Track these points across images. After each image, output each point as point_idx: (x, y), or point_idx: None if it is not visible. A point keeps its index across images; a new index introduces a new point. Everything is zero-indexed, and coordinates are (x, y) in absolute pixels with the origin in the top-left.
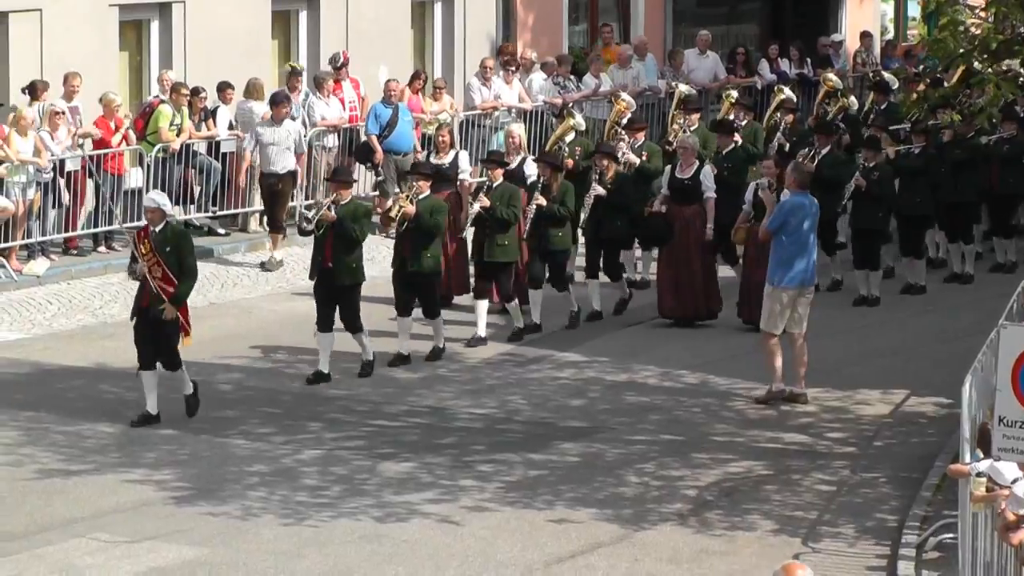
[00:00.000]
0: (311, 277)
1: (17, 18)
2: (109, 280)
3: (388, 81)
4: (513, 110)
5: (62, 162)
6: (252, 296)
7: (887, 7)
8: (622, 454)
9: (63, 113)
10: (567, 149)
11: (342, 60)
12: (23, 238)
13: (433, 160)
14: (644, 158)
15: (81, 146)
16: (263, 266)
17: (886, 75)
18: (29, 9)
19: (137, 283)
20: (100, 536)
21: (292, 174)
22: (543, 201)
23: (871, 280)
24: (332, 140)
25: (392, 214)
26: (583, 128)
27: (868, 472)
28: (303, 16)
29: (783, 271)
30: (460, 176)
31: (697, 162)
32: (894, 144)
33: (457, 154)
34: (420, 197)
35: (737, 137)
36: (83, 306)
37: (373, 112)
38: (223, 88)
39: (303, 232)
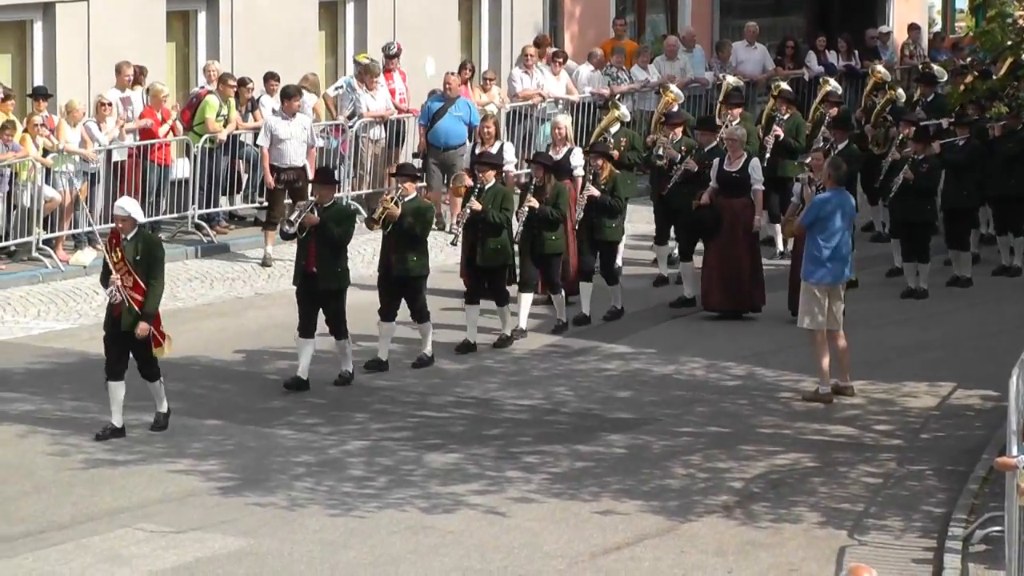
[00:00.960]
0: (294, 282)
1: (64, 9)
2: None
3: (447, 74)
4: (560, 101)
5: (109, 153)
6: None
7: None
8: (668, 446)
9: (110, 104)
10: (612, 140)
11: (395, 50)
12: (70, 228)
13: (478, 152)
14: (683, 152)
15: (132, 132)
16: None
17: (935, 68)
18: (76, 0)
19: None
20: (146, 526)
21: (303, 171)
22: (535, 203)
23: (920, 273)
24: (378, 132)
25: (376, 215)
26: (628, 119)
27: (915, 465)
28: (350, 8)
29: (815, 267)
30: (505, 167)
31: (745, 154)
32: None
33: (502, 145)
34: (406, 199)
35: (722, 133)
36: None
37: (425, 104)
38: (269, 79)
39: (285, 235)
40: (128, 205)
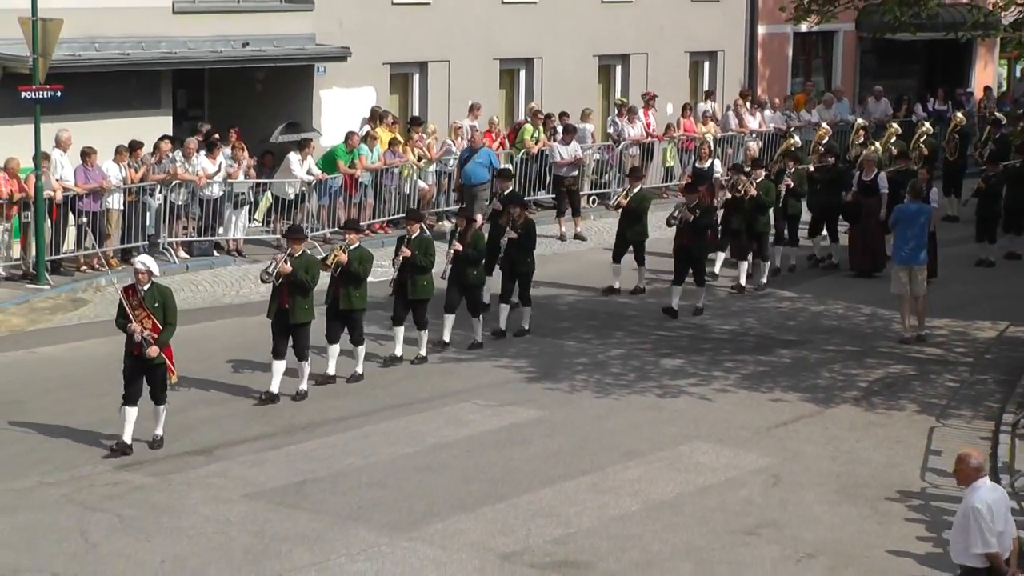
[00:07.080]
0: (269, 316)
1: (433, 66)
2: None
3: (474, 130)
4: (753, 133)
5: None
6: (581, 249)
7: (1002, 69)
8: (819, 358)
9: (460, 127)
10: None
11: (649, 96)
12: (432, 207)
13: (696, 165)
14: (757, 193)
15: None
16: (575, 236)
17: (998, 115)
18: (440, 60)
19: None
20: (477, 401)
21: (575, 178)
22: (460, 247)
23: (988, 249)
24: (635, 150)
25: (328, 261)
26: (799, 145)
27: (981, 375)
28: (618, 68)
29: (897, 254)
30: (715, 176)
31: (876, 168)
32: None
33: (713, 161)
34: (351, 248)
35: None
36: None
37: (462, 153)
38: (561, 116)
39: (264, 282)
40: (147, 260)
